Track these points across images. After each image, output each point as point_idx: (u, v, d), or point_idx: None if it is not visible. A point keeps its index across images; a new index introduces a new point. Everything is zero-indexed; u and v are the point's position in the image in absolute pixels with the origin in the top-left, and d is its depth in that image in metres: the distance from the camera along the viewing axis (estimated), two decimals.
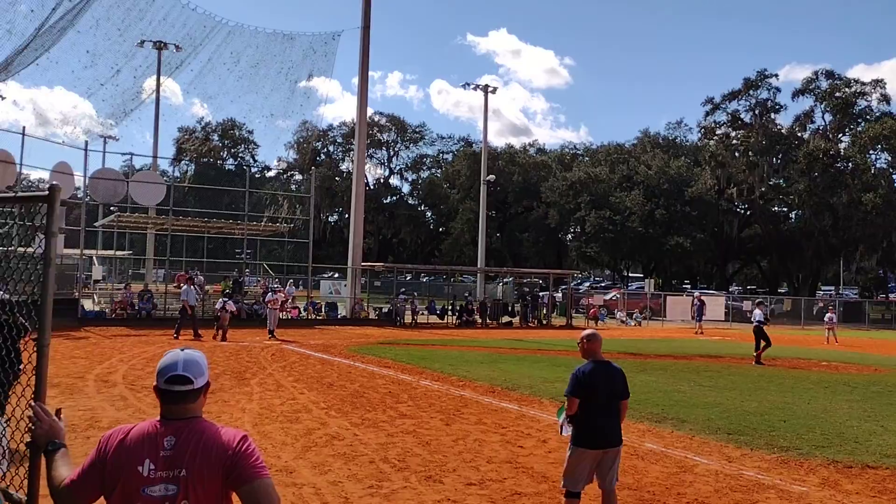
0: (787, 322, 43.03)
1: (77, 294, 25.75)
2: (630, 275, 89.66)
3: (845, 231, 49.90)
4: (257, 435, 9.08)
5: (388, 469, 7.85)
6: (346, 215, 78.99)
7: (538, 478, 7.67)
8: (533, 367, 16.84)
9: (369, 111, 35.90)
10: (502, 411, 11.32)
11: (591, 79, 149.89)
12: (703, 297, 36.11)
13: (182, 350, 2.59)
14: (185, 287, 22.20)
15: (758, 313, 20.06)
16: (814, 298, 49.94)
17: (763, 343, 19.30)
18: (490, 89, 48.22)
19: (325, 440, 9.03)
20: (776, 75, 57.38)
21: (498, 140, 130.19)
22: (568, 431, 5.72)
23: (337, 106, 78.90)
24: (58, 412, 2.83)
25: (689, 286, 65.06)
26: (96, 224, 32.43)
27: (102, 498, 2.51)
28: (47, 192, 2.85)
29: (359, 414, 10.71)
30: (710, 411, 11.56)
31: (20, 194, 3.22)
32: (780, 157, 55.62)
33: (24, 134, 24.05)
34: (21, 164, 24.32)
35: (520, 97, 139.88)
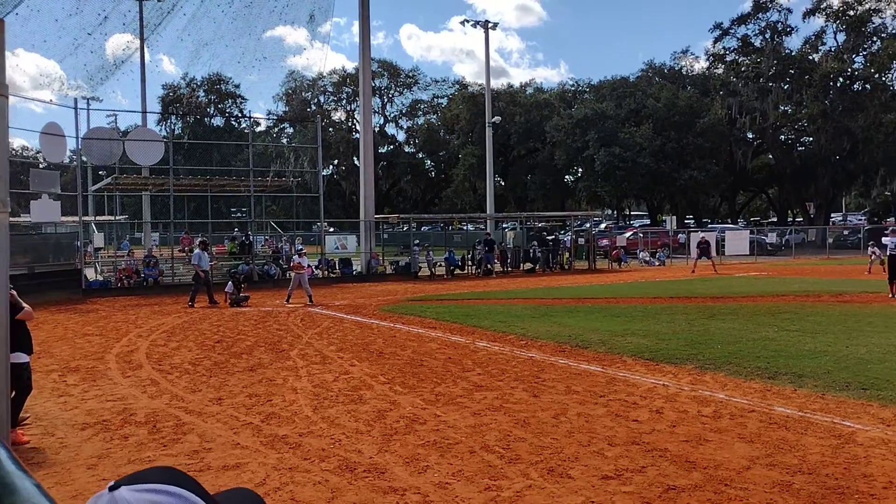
0: (812, 252, 41.84)
1: (79, 264, 24.16)
2: (631, 213, 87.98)
3: (865, 155, 48.15)
4: (322, 422, 7.71)
5: (497, 461, 6.49)
6: (343, 167, 76.99)
7: (682, 464, 6.32)
8: (589, 318, 15.44)
9: (356, 59, 33.57)
10: (587, 375, 9.95)
11: (568, 13, 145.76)
12: (707, 239, 33.34)
13: None
14: (196, 252, 20.64)
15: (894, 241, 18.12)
16: (844, 224, 48.38)
17: None
18: (490, 25, 45.93)
19: (404, 425, 7.67)
20: None
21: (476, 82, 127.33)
22: None
23: (309, 55, 75.54)
24: None
25: (692, 221, 63.37)
26: (92, 188, 30.55)
27: None
28: None
29: (428, 388, 9.34)
30: (821, 361, 10.21)
31: None
32: (791, 81, 53.54)
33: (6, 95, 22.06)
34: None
35: (493, 37, 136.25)
